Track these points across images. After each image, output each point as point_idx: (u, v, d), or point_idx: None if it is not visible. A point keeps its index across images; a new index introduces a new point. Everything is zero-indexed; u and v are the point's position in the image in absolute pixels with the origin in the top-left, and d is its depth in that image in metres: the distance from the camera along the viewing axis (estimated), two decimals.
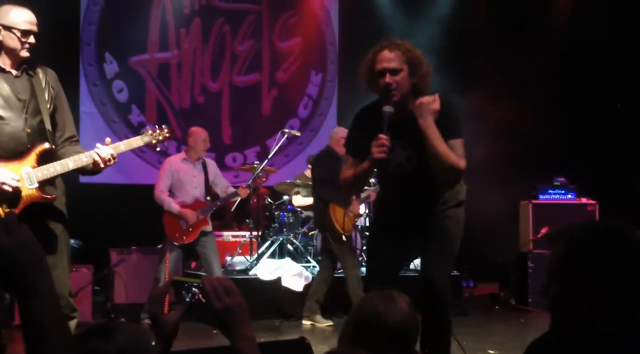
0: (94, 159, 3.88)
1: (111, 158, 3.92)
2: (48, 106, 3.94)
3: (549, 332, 2.04)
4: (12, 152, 3.78)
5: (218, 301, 1.93)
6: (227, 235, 8.62)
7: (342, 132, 7.31)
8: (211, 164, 7.44)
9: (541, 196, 8.93)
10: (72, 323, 3.97)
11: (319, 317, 7.30)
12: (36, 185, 3.78)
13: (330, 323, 7.27)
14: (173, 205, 6.98)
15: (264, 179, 7.72)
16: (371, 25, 10.53)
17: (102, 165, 3.90)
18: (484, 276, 9.27)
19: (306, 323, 7.31)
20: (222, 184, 7.41)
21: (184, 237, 6.98)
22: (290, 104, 10.64)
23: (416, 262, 8.52)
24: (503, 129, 10.14)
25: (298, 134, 8.91)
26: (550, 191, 8.98)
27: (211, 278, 2.05)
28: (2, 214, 3.73)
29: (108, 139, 4.00)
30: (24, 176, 3.76)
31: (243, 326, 1.93)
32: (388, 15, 10.67)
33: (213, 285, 1.95)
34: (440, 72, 10.58)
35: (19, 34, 3.85)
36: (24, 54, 3.89)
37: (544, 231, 8.57)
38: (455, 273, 8.38)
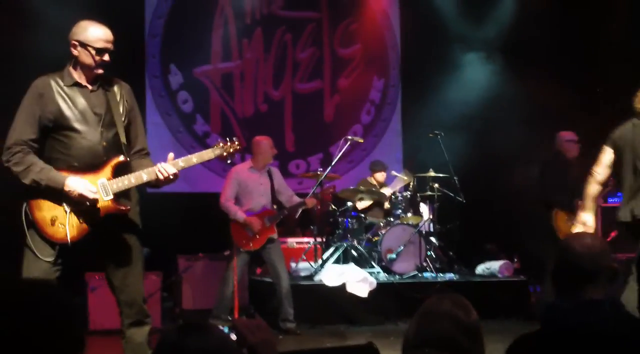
0: (156, 176, 3.96)
1: (172, 176, 3.98)
2: (123, 119, 4.03)
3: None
4: (89, 165, 3.89)
5: (253, 336, 2.08)
6: (292, 241, 8.67)
7: (568, 135, 7.37)
8: (276, 173, 7.51)
9: (610, 199, 8.73)
10: (146, 329, 4.09)
11: None
12: (111, 197, 3.89)
13: None
14: (239, 214, 7.06)
15: (331, 189, 7.74)
16: (433, 29, 10.49)
17: (163, 181, 3.98)
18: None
19: None
20: (287, 193, 7.47)
21: (251, 244, 7.06)
22: (353, 110, 10.65)
23: (482, 267, 8.47)
24: (574, 131, 9.99)
25: (361, 140, 8.88)
26: (619, 194, 8.77)
27: (241, 319, 2.30)
28: (81, 225, 3.86)
29: (171, 155, 4.06)
30: (99, 187, 3.87)
31: None
32: (449, 19, 10.61)
33: (245, 323, 2.12)
34: (502, 74, 10.54)
35: (93, 52, 3.92)
36: (98, 71, 3.97)
37: (613, 234, 8.39)
38: (522, 277, 8.29)
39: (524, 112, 10.19)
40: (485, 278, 8.30)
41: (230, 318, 6.96)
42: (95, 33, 3.96)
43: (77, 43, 3.95)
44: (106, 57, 3.96)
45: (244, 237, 7.06)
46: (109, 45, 3.98)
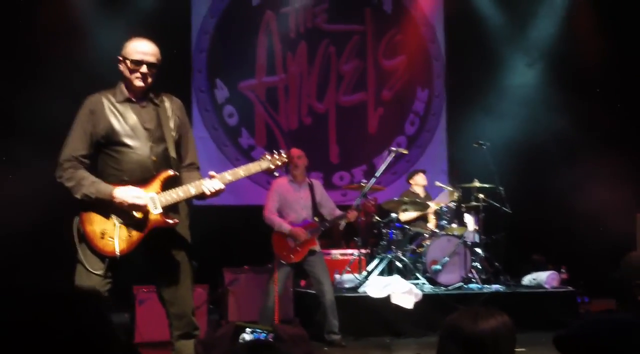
0: (202, 190, 4.02)
1: (217, 192, 4.04)
2: (173, 134, 4.09)
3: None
4: (139, 179, 3.96)
5: (296, 348, 2.10)
6: (336, 253, 8.69)
7: None
8: (317, 186, 7.53)
9: None
10: (193, 341, 4.15)
11: None
12: (160, 210, 3.95)
13: None
14: (284, 225, 7.10)
15: (372, 202, 7.74)
16: (477, 40, 10.46)
17: (209, 196, 4.05)
18: (599, 291, 8.99)
19: None
20: (329, 206, 7.47)
21: (292, 256, 7.07)
22: (397, 121, 10.66)
23: (529, 278, 8.39)
24: (619, 138, 9.87)
25: (405, 152, 8.81)
26: None
27: (284, 326, 2.28)
28: (129, 234, 3.93)
29: (211, 173, 4.07)
30: (148, 201, 3.93)
31: None
32: (495, 28, 10.57)
33: (289, 333, 2.13)
34: (549, 84, 10.45)
35: (129, 64, 4.00)
36: (137, 83, 4.01)
37: None
38: (570, 288, 8.20)
39: (571, 123, 10.10)
40: (532, 289, 8.22)
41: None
42: (132, 46, 4.04)
43: (120, 58, 4.06)
44: (143, 69, 3.99)
45: (285, 250, 7.09)
46: (147, 57, 4.01)
